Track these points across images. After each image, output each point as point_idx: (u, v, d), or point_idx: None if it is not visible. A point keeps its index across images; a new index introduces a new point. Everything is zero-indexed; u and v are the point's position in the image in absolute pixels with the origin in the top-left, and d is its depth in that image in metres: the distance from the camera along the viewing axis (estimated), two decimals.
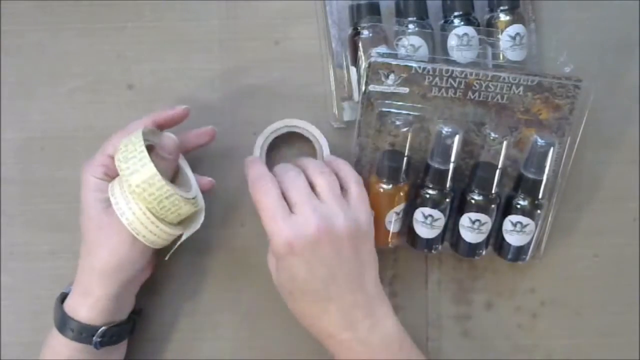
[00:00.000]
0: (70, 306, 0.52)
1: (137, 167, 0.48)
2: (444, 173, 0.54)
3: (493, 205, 0.55)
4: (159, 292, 0.60)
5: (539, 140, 0.54)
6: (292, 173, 0.52)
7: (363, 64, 0.55)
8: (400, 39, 0.55)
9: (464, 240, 0.56)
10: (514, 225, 0.56)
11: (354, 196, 0.52)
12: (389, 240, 0.57)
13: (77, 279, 0.52)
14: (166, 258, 0.52)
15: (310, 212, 0.49)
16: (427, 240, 0.56)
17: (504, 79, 0.54)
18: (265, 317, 0.60)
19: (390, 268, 0.61)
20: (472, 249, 0.57)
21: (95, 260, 0.51)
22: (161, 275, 0.59)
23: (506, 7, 0.56)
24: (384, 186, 0.55)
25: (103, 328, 0.51)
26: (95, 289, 0.51)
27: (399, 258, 0.61)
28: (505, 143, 0.54)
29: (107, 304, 0.51)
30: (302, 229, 0.48)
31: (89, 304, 0.51)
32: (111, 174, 0.52)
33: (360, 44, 0.56)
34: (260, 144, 0.58)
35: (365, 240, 0.52)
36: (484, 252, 0.57)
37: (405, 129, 0.55)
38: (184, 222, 0.53)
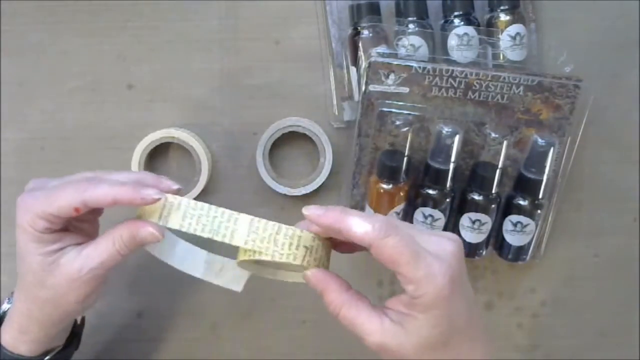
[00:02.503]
0: (7, 341, 0.48)
1: (230, 226, 0.43)
2: (444, 173, 0.54)
3: (493, 205, 0.55)
4: (159, 292, 0.60)
5: (539, 140, 0.54)
6: (380, 216, 0.43)
7: (363, 64, 0.55)
8: (401, 38, 0.55)
9: (464, 240, 0.56)
10: (514, 225, 0.56)
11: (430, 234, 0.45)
12: None
13: (13, 317, 0.48)
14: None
15: (442, 237, 0.42)
16: None
17: (504, 78, 0.54)
18: (266, 317, 0.60)
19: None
20: (472, 249, 0.57)
21: (36, 311, 0.46)
22: (161, 275, 0.59)
23: (506, 7, 0.56)
24: (384, 186, 0.55)
25: (47, 358, 0.48)
26: (35, 331, 0.47)
27: None
28: (505, 143, 0.54)
29: (48, 339, 0.48)
30: (451, 258, 0.41)
31: (29, 340, 0.47)
32: (54, 228, 0.45)
33: (360, 44, 0.56)
34: (264, 142, 0.58)
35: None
36: (484, 252, 0.57)
37: (405, 129, 0.55)
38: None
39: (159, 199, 0.43)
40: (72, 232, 0.47)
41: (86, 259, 0.45)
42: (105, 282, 0.47)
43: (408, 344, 0.41)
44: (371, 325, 0.41)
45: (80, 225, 0.48)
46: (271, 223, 0.43)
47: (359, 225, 0.41)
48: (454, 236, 0.43)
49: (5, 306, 0.50)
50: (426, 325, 0.41)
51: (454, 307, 0.41)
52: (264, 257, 0.43)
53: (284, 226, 0.43)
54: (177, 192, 0.45)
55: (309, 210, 0.42)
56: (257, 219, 0.43)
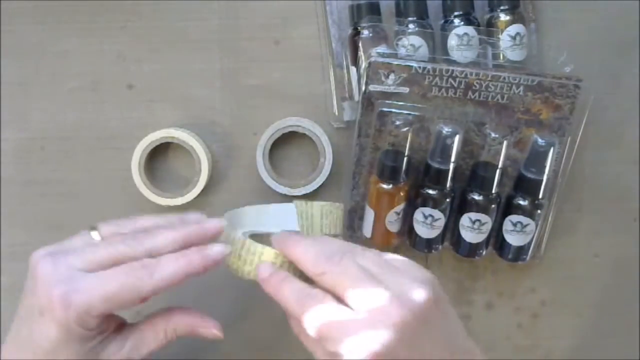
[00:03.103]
0: None
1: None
2: (444, 173, 0.54)
3: (493, 205, 0.55)
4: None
5: (539, 140, 0.54)
6: (334, 260, 0.40)
7: (363, 64, 0.55)
8: (401, 38, 0.55)
9: (464, 240, 0.56)
10: (514, 225, 0.56)
11: (396, 259, 0.43)
12: (389, 240, 0.57)
13: None
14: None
15: (383, 301, 0.38)
16: (427, 240, 0.56)
17: (504, 78, 0.54)
18: (266, 317, 0.60)
19: None
20: (472, 249, 0.57)
21: None
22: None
23: (506, 7, 0.56)
24: (384, 186, 0.55)
25: None
26: None
27: None
28: (505, 143, 0.54)
29: None
30: (385, 330, 0.37)
31: None
32: (102, 323, 0.41)
33: (360, 44, 0.56)
34: (264, 142, 0.58)
35: (444, 297, 0.42)
36: (484, 252, 0.57)
37: (405, 129, 0.55)
38: None
39: (228, 251, 0.42)
40: (110, 317, 0.43)
41: (132, 350, 0.42)
42: None
43: None
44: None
45: None
46: (240, 240, 0.43)
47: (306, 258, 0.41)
48: (413, 293, 0.39)
49: None
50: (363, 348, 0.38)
51: (394, 336, 0.38)
52: (236, 273, 0.44)
53: (248, 241, 0.43)
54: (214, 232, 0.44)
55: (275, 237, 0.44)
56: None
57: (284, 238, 0.43)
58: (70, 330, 0.39)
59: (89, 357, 0.41)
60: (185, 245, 0.42)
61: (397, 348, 0.37)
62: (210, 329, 0.43)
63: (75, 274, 0.39)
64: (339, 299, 0.40)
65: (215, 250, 0.42)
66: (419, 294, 0.39)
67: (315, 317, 0.39)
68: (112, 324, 0.43)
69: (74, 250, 0.41)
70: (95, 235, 0.42)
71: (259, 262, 0.43)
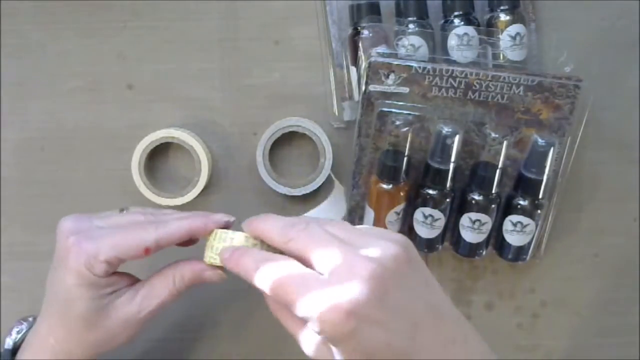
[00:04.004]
0: None
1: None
2: (444, 173, 0.54)
3: (493, 205, 0.55)
4: None
5: (539, 140, 0.54)
6: (298, 227, 0.40)
7: (363, 64, 0.55)
8: (401, 38, 0.55)
9: (464, 240, 0.56)
10: (514, 225, 0.56)
11: (368, 227, 0.43)
12: None
13: (41, 354, 0.45)
14: None
15: (351, 257, 0.37)
16: (427, 240, 0.56)
17: (504, 78, 0.54)
18: (266, 317, 0.60)
19: None
20: (472, 249, 0.57)
21: (79, 352, 0.45)
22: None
23: (506, 7, 0.56)
24: (384, 186, 0.55)
25: None
26: None
27: None
28: (505, 143, 0.54)
29: None
30: (354, 288, 0.36)
31: None
32: (112, 271, 0.44)
33: (360, 44, 0.56)
34: (264, 142, 0.58)
35: (417, 257, 0.41)
36: (484, 252, 0.57)
37: (405, 129, 0.55)
38: None
39: (229, 220, 0.45)
40: (123, 274, 0.46)
41: (144, 300, 0.45)
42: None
43: None
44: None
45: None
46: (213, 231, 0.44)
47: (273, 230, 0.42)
48: (385, 247, 0.38)
49: (16, 335, 0.49)
50: (341, 355, 0.37)
51: (368, 340, 0.36)
52: (211, 263, 0.45)
53: (219, 231, 0.44)
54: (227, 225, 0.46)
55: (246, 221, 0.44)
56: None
57: (252, 218, 0.44)
58: (81, 275, 0.43)
59: (102, 304, 0.44)
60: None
61: (367, 304, 0.36)
62: (215, 271, 0.45)
63: (92, 228, 0.44)
64: (307, 265, 0.39)
65: (218, 216, 0.45)
66: (389, 249, 0.38)
67: (271, 273, 0.39)
68: (125, 280, 0.46)
69: (99, 216, 0.46)
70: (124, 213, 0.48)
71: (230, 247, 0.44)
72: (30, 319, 0.50)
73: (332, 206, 0.53)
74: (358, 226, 0.42)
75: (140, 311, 0.45)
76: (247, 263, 0.41)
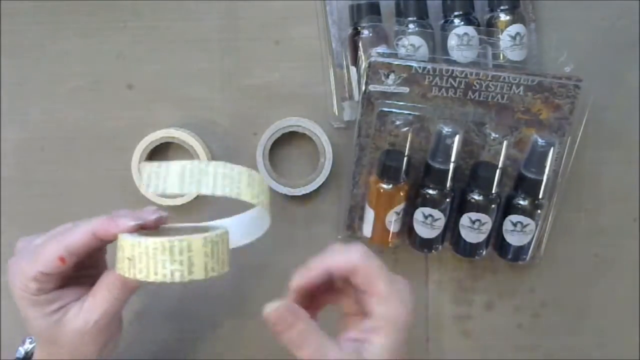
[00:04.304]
0: None
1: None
2: (444, 173, 0.54)
3: (493, 205, 0.55)
4: (159, 293, 0.60)
5: (539, 140, 0.54)
6: (357, 245, 0.44)
7: (363, 64, 0.55)
8: (401, 38, 0.55)
9: (464, 240, 0.56)
10: (514, 225, 0.56)
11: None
12: (389, 240, 0.57)
13: None
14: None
15: (400, 282, 0.44)
16: (427, 240, 0.56)
17: (504, 78, 0.54)
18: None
19: (390, 268, 0.60)
20: (472, 249, 0.57)
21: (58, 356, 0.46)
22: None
23: (506, 7, 0.56)
24: (384, 186, 0.55)
25: None
26: None
27: (399, 258, 0.61)
28: (505, 143, 0.54)
29: None
30: (409, 293, 0.43)
31: None
32: (48, 288, 0.44)
33: (360, 44, 0.56)
34: (264, 142, 0.58)
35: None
36: (484, 252, 0.57)
37: (405, 129, 0.55)
38: None
39: (135, 225, 0.42)
40: (71, 287, 0.46)
41: (88, 312, 0.44)
42: (120, 322, 0.47)
43: None
44: (331, 352, 0.41)
45: (87, 272, 0.47)
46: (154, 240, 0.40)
47: (342, 257, 0.43)
48: (404, 281, 0.44)
49: (28, 345, 0.50)
50: (383, 349, 0.41)
51: (405, 338, 0.42)
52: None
53: (120, 238, 0.41)
54: (159, 221, 0.45)
55: (294, 283, 0.43)
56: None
57: (315, 263, 0.44)
58: (23, 297, 0.44)
59: (53, 320, 0.44)
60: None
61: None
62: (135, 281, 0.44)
63: (30, 247, 0.44)
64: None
65: (122, 220, 0.43)
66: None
67: (373, 272, 0.43)
68: (72, 294, 0.45)
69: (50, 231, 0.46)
70: None
71: (122, 256, 0.41)
72: (29, 339, 0.50)
73: (254, 221, 0.49)
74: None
75: (87, 323, 0.44)
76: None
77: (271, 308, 0.42)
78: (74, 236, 0.43)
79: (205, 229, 0.44)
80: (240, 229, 0.49)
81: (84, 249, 0.43)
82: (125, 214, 0.44)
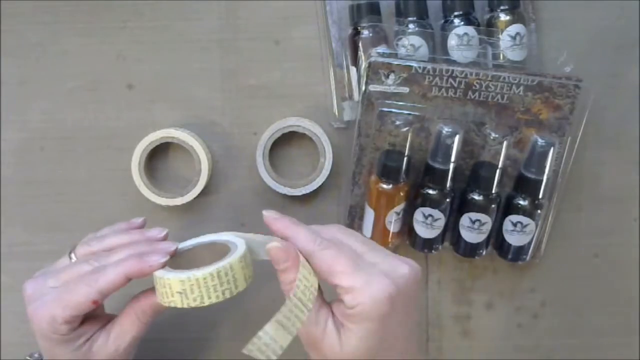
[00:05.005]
0: None
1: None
2: (444, 173, 0.54)
3: (493, 205, 0.55)
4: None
5: (539, 140, 0.54)
6: (326, 243, 0.45)
7: (363, 64, 0.55)
8: (401, 38, 0.55)
9: (464, 240, 0.56)
10: (514, 225, 0.56)
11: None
12: (389, 240, 0.57)
13: None
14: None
15: (393, 259, 0.43)
16: (427, 240, 0.56)
17: (504, 78, 0.54)
18: (265, 317, 0.60)
19: None
20: (472, 249, 0.57)
21: None
22: None
23: (506, 7, 0.56)
24: (384, 186, 0.55)
25: None
26: None
27: None
28: (505, 143, 0.54)
29: None
30: (398, 278, 0.42)
31: None
32: (75, 326, 0.46)
33: (360, 44, 0.56)
34: (264, 142, 0.58)
35: (416, 289, 0.45)
36: (484, 252, 0.57)
37: (405, 129, 0.55)
38: None
39: (165, 262, 0.45)
40: (90, 319, 0.48)
41: (118, 339, 0.47)
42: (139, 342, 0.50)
43: (337, 349, 0.43)
44: (319, 318, 0.43)
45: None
46: (155, 276, 0.45)
47: (304, 236, 0.45)
48: (414, 263, 0.44)
49: None
50: (356, 337, 0.42)
51: (390, 327, 0.42)
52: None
53: (156, 275, 0.45)
54: (165, 239, 0.49)
55: (268, 212, 0.47)
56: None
57: (276, 218, 0.47)
58: (50, 338, 0.45)
59: (82, 353, 0.46)
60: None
61: (403, 298, 0.42)
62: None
63: (46, 290, 0.46)
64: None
65: (153, 257, 0.45)
66: (413, 263, 0.44)
67: (332, 254, 0.43)
68: (95, 324, 0.48)
69: (54, 271, 0.48)
70: (73, 257, 0.49)
71: (170, 292, 0.45)
72: (36, 355, 0.51)
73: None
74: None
75: (117, 350, 0.47)
76: (305, 231, 0.45)
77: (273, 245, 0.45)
78: (107, 279, 0.45)
79: (213, 245, 0.48)
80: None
81: (115, 290, 0.45)
82: (139, 239, 0.48)
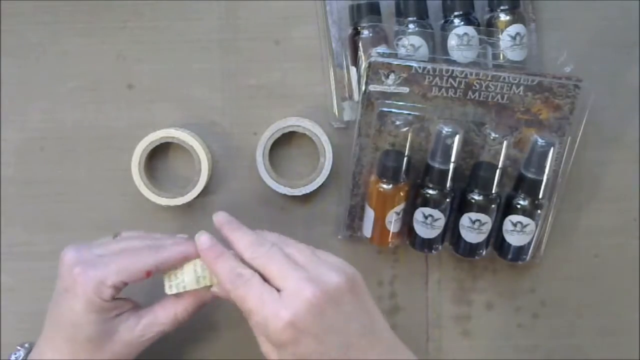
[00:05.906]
0: None
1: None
2: (444, 173, 0.54)
3: (493, 205, 0.55)
4: (159, 293, 0.60)
5: (539, 140, 0.54)
6: (264, 248, 0.47)
7: (363, 64, 0.55)
8: (401, 38, 0.55)
9: (464, 240, 0.56)
10: (514, 225, 0.56)
11: (322, 254, 0.48)
12: (389, 240, 0.57)
13: None
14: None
15: (298, 281, 0.44)
16: (427, 240, 0.56)
17: (504, 78, 0.54)
18: None
19: (391, 268, 0.61)
20: (472, 249, 0.57)
21: None
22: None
23: (506, 7, 0.56)
24: (384, 186, 0.55)
25: None
26: None
27: (399, 258, 0.61)
28: (505, 143, 0.54)
29: None
30: (297, 303, 0.43)
31: None
32: (117, 296, 0.48)
33: (360, 44, 0.56)
34: (264, 142, 0.58)
35: (361, 287, 0.47)
36: (484, 252, 0.57)
37: (405, 129, 0.55)
38: None
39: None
40: (124, 299, 0.50)
41: (147, 327, 0.49)
42: None
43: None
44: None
45: None
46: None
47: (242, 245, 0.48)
48: (347, 268, 0.47)
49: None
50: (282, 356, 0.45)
51: (304, 349, 0.44)
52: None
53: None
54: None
55: (217, 216, 0.50)
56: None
57: (222, 219, 0.50)
58: (90, 301, 0.46)
59: (108, 327, 0.47)
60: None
61: (305, 319, 0.43)
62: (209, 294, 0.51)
63: (94, 257, 0.47)
64: (266, 280, 0.46)
65: (202, 239, 0.48)
66: (332, 278, 0.45)
67: (242, 294, 0.46)
68: (127, 304, 0.50)
69: (97, 244, 0.50)
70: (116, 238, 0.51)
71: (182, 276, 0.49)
72: (27, 345, 0.52)
73: None
74: (317, 251, 0.48)
75: (142, 336, 0.49)
76: (221, 269, 0.47)
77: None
78: (167, 254, 0.48)
79: None
80: None
81: (169, 267, 0.48)
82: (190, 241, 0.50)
